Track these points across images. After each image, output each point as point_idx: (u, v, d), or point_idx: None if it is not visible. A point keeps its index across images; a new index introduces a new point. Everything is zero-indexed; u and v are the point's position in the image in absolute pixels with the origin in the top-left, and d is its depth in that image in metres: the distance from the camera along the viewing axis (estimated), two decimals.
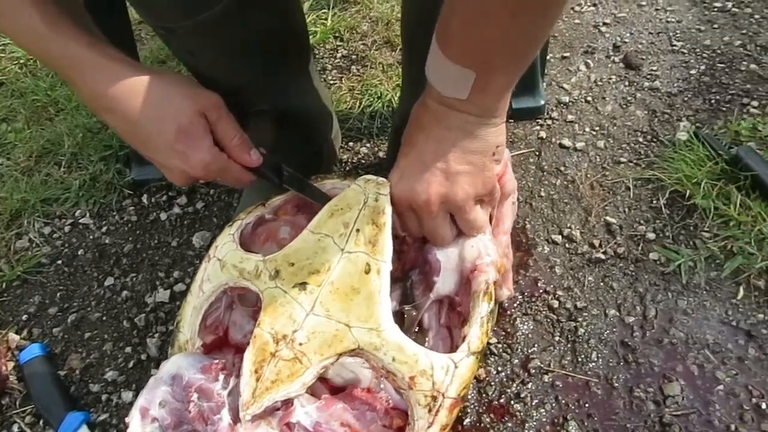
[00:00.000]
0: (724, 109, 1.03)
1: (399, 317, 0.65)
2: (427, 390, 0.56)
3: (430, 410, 0.56)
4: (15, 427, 0.73)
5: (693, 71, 1.11)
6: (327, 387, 0.63)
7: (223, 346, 0.66)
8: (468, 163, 0.61)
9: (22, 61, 1.30)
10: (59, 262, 0.92)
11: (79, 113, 1.13)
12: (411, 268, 0.69)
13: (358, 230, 0.62)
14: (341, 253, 0.61)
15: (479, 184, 0.62)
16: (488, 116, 0.60)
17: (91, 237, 0.95)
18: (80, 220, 0.97)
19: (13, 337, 0.81)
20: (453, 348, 0.62)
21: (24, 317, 0.84)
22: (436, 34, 0.56)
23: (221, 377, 0.60)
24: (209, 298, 0.65)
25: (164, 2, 0.60)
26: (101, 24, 0.84)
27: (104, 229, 0.96)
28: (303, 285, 0.60)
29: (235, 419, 0.57)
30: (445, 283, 0.65)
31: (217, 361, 0.61)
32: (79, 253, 0.93)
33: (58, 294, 0.88)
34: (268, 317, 0.60)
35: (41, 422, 0.73)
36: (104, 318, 0.85)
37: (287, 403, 0.59)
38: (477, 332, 0.61)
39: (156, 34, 1.31)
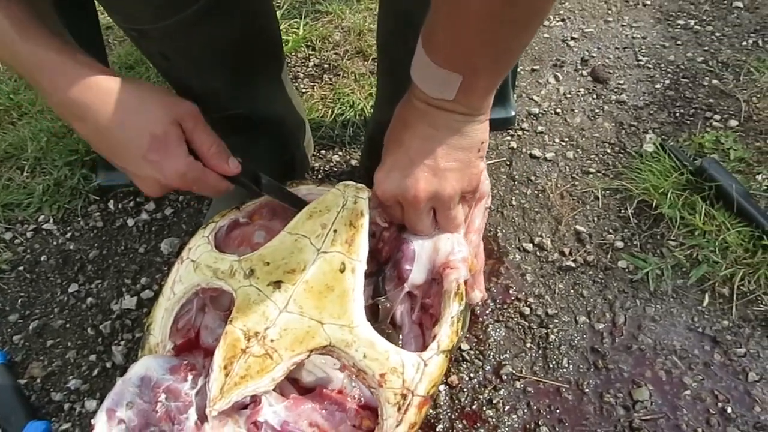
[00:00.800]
0: (688, 122, 1.06)
1: (372, 311, 0.65)
2: (397, 387, 0.56)
3: (399, 408, 0.56)
4: None
5: (658, 85, 1.14)
6: (296, 388, 0.62)
7: (194, 349, 0.65)
8: (455, 159, 0.61)
9: None
10: (21, 268, 0.89)
11: (43, 117, 1.11)
12: (385, 262, 0.69)
13: (335, 231, 0.63)
14: (317, 253, 0.62)
15: (465, 181, 0.63)
16: (474, 114, 0.60)
17: (54, 243, 0.92)
18: (43, 226, 0.94)
19: None
20: (424, 348, 0.62)
21: None
22: (421, 39, 0.57)
23: (190, 377, 0.59)
24: (181, 300, 0.63)
25: (135, 4, 0.59)
26: (71, 28, 0.83)
27: (69, 235, 0.93)
28: (278, 283, 0.61)
29: (202, 418, 0.56)
30: (418, 273, 0.65)
31: (186, 361, 0.60)
32: (42, 259, 0.90)
33: (19, 301, 0.85)
34: (240, 315, 0.59)
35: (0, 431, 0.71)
36: (68, 325, 0.82)
37: (255, 401, 0.58)
38: (447, 331, 0.61)
39: (127, 38, 1.29)
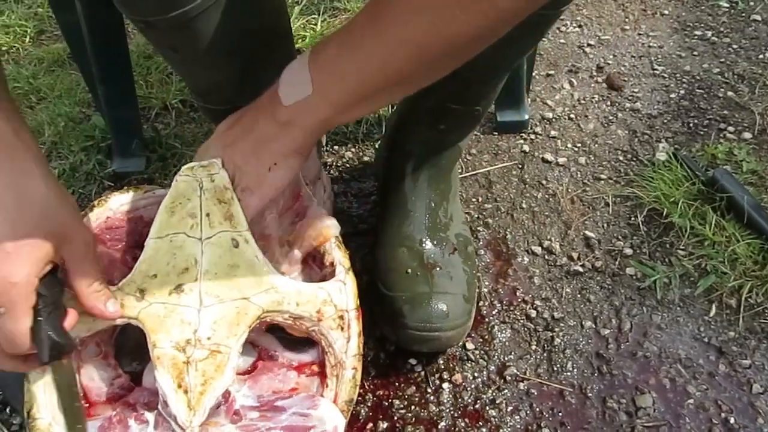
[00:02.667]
0: (701, 132, 1.06)
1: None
2: (332, 314, 0.61)
3: (342, 328, 0.62)
4: None
5: (673, 95, 1.14)
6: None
7: (91, 410, 0.60)
8: (246, 156, 0.61)
9: (4, 48, 1.29)
10: None
11: (61, 102, 1.12)
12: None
13: (207, 214, 0.60)
14: (200, 242, 0.60)
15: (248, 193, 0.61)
16: (287, 132, 0.59)
17: None
18: None
19: None
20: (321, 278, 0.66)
21: None
22: (323, 38, 0.57)
23: (131, 422, 0.57)
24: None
25: None
26: (92, 17, 0.85)
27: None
28: (178, 288, 0.58)
29: None
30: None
31: (110, 414, 0.58)
32: None
33: None
34: (160, 334, 0.56)
35: (8, 409, 0.71)
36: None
37: (224, 396, 0.58)
38: (339, 254, 0.66)
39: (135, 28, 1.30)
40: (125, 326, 0.63)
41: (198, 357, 0.56)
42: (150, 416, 0.57)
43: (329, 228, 0.67)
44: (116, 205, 0.65)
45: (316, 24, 1.32)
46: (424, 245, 0.78)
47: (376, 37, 0.52)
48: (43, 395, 0.55)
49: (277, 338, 0.66)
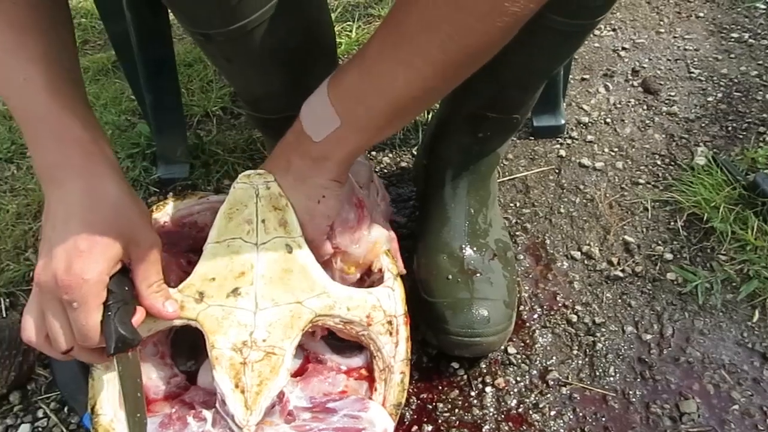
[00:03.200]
0: (740, 136, 1.05)
1: None
2: (381, 319, 0.63)
3: (391, 333, 0.63)
4: (40, 413, 0.74)
5: (710, 98, 1.14)
6: None
7: (149, 407, 0.62)
8: (296, 196, 0.63)
9: None
10: None
11: (107, 110, 1.15)
12: None
13: (263, 221, 0.62)
14: (256, 247, 0.62)
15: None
16: (324, 167, 0.61)
17: None
18: None
19: None
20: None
21: None
22: (335, 71, 0.58)
23: (190, 420, 0.59)
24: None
25: (202, 10, 0.61)
26: (142, 25, 0.87)
27: None
28: (235, 291, 0.60)
29: None
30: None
31: (169, 412, 0.60)
32: None
33: None
34: (218, 336, 0.59)
35: (65, 409, 0.74)
36: None
37: (279, 396, 0.59)
38: (387, 261, 0.68)
39: (185, 36, 1.33)
40: (180, 328, 0.65)
41: (254, 358, 0.58)
42: (208, 414, 0.59)
43: (381, 245, 0.69)
44: (173, 210, 0.68)
45: (351, 31, 1.34)
46: (464, 251, 0.79)
47: (395, 59, 0.53)
48: (106, 392, 0.58)
49: (326, 343, 0.68)
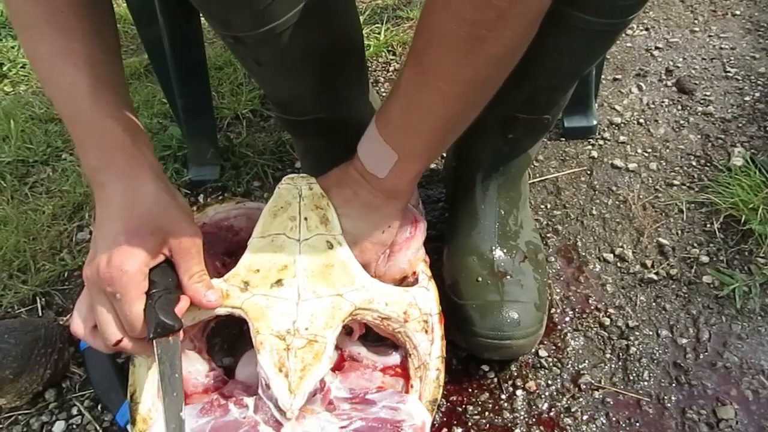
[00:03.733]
0: None
1: None
2: (417, 317, 0.65)
3: (426, 331, 0.65)
4: (74, 410, 0.75)
5: (747, 98, 1.11)
6: None
7: (188, 400, 0.63)
8: (359, 230, 0.67)
9: None
10: None
11: (139, 113, 1.17)
12: None
13: (305, 218, 0.66)
14: (299, 243, 0.65)
15: (356, 251, 0.67)
16: (394, 198, 0.66)
17: None
18: None
19: None
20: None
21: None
22: (378, 110, 0.62)
23: (231, 406, 0.60)
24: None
25: (232, 13, 0.61)
26: (175, 29, 0.88)
27: None
28: (278, 282, 0.63)
29: (278, 427, 0.58)
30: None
31: (211, 399, 0.61)
32: None
33: None
34: (262, 323, 0.60)
35: (99, 407, 0.75)
36: None
37: (320, 384, 0.61)
38: (422, 266, 0.71)
39: (216, 40, 1.35)
40: (216, 324, 0.66)
41: (297, 345, 0.59)
42: (249, 401, 0.60)
43: (421, 256, 0.72)
44: (212, 213, 0.71)
45: (379, 33, 1.34)
46: (494, 253, 0.78)
47: (427, 87, 0.57)
48: (146, 381, 0.61)
49: (361, 342, 0.68)
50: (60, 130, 1.16)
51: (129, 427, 0.61)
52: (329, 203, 0.66)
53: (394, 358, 0.67)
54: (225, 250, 0.72)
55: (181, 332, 0.58)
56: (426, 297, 0.67)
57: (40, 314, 0.86)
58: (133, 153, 0.60)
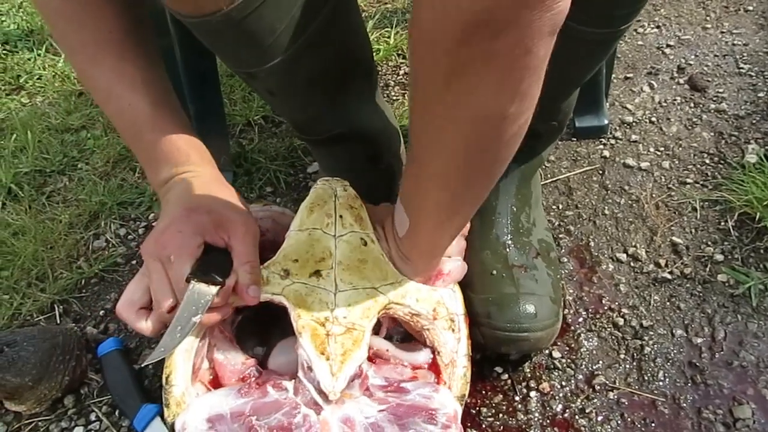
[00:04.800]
0: None
1: None
2: (445, 315, 0.67)
3: (453, 330, 0.67)
4: (92, 416, 0.76)
5: (761, 94, 1.10)
6: None
7: (217, 387, 0.64)
8: None
9: None
10: (134, 262, 0.95)
11: None
12: None
13: (341, 216, 0.69)
14: (334, 238, 0.68)
15: None
16: (410, 262, 0.67)
17: None
18: (153, 224, 1.01)
19: (91, 331, 0.85)
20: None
21: (101, 312, 0.88)
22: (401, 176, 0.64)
23: (270, 389, 0.60)
24: (198, 336, 0.63)
25: (241, 52, 0.64)
26: (187, 38, 0.90)
27: None
28: (316, 273, 0.65)
29: (318, 409, 0.60)
30: None
31: (249, 382, 0.62)
32: None
33: None
34: (302, 309, 0.63)
35: (117, 412, 0.76)
36: None
37: (358, 371, 0.62)
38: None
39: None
40: (245, 316, 0.70)
41: (336, 332, 0.62)
42: (288, 384, 0.61)
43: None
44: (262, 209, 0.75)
45: (389, 37, 1.34)
46: (507, 248, 0.79)
47: (427, 172, 0.54)
48: (182, 364, 0.62)
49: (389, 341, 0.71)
50: (76, 140, 1.18)
51: (164, 410, 0.62)
52: (362, 204, 0.70)
53: (423, 357, 0.68)
54: None
55: (220, 290, 0.59)
56: (452, 297, 0.69)
57: (58, 322, 0.87)
58: (195, 161, 0.66)
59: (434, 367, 0.68)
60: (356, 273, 0.66)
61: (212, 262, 0.60)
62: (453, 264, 0.72)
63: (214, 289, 0.58)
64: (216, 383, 0.66)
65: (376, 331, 0.70)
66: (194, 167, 0.66)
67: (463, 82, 0.43)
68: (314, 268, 0.66)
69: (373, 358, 0.68)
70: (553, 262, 0.80)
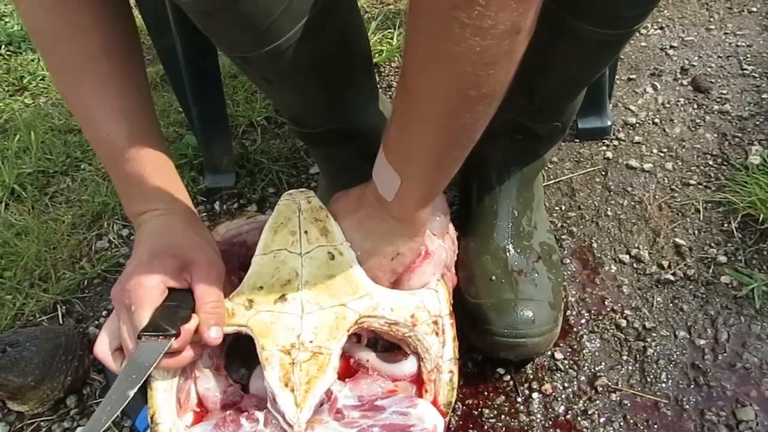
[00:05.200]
0: None
1: None
2: (426, 319, 0.64)
3: (437, 333, 0.64)
4: None
5: (765, 95, 1.10)
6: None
7: (205, 417, 0.64)
8: (368, 253, 0.66)
9: None
10: None
11: None
12: None
13: (306, 232, 0.66)
14: (300, 257, 0.65)
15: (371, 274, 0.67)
16: (403, 224, 0.64)
17: None
18: None
19: (94, 331, 0.85)
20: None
21: (104, 313, 0.88)
22: (384, 133, 0.61)
23: (243, 420, 0.60)
24: (176, 374, 0.62)
25: (235, 35, 0.62)
26: (189, 39, 0.90)
27: None
28: (282, 297, 0.63)
29: None
30: None
31: (224, 415, 0.61)
32: None
33: None
34: (267, 339, 0.61)
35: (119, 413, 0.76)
36: None
37: (327, 395, 0.61)
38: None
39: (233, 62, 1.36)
40: (233, 339, 0.67)
41: (302, 359, 0.60)
42: (260, 415, 0.60)
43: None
44: (223, 230, 0.72)
45: (392, 38, 1.34)
46: (507, 253, 0.78)
47: (411, 107, 0.54)
48: (164, 402, 0.61)
49: (371, 349, 0.69)
50: (79, 140, 1.18)
51: None
52: (328, 214, 0.67)
53: (408, 366, 0.66)
54: (240, 266, 0.72)
55: (173, 341, 0.57)
56: (435, 298, 0.66)
57: (61, 322, 0.88)
58: (169, 198, 0.65)
59: (418, 376, 0.66)
60: (324, 291, 0.63)
61: (173, 309, 0.59)
62: (436, 244, 0.71)
63: (165, 342, 0.57)
64: (204, 409, 0.65)
65: (358, 339, 0.69)
66: (166, 204, 0.65)
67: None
68: (280, 293, 0.63)
69: (356, 367, 0.67)
70: (554, 265, 0.80)
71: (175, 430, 0.60)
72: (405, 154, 0.58)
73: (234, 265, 0.72)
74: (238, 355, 0.70)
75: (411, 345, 0.65)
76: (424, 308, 0.65)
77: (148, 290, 0.58)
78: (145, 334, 0.57)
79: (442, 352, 0.64)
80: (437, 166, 0.59)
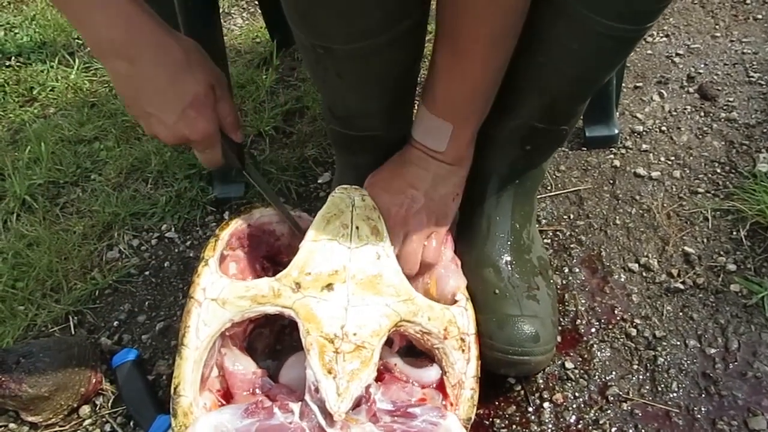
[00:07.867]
0: None
1: None
2: (456, 334, 0.67)
3: (463, 350, 0.67)
4: (107, 427, 0.77)
5: None
6: None
7: (232, 401, 0.65)
8: (432, 200, 0.73)
9: (112, 85, 1.38)
10: (147, 272, 0.96)
11: None
12: None
13: (357, 227, 0.68)
14: (350, 251, 0.67)
15: (433, 221, 0.74)
16: (457, 165, 0.74)
17: (176, 250, 0.99)
18: (166, 234, 1.02)
19: (105, 342, 0.85)
20: None
21: (115, 323, 0.89)
22: (422, 93, 0.70)
23: (276, 410, 0.59)
24: (208, 346, 0.63)
25: (332, 24, 0.60)
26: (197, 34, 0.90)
27: (189, 243, 1.00)
28: (329, 286, 0.64)
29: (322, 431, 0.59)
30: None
31: (256, 400, 0.61)
32: (166, 265, 0.97)
33: (147, 303, 0.92)
34: (312, 324, 0.62)
35: (131, 423, 0.77)
36: None
37: (366, 395, 0.61)
38: (462, 288, 0.74)
39: (238, 58, 1.37)
40: (254, 329, 0.70)
41: (345, 349, 0.61)
42: (295, 407, 0.60)
43: (461, 288, 0.74)
44: (257, 215, 0.74)
45: None
46: (510, 266, 0.78)
47: (459, 52, 0.63)
48: (190, 374, 0.61)
49: (398, 355, 0.70)
50: (89, 151, 1.19)
51: (172, 420, 0.61)
52: (380, 216, 0.70)
53: (433, 374, 0.68)
54: (266, 253, 0.74)
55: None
56: (464, 316, 0.69)
57: (73, 333, 0.88)
58: (157, 21, 0.64)
59: (441, 386, 0.67)
60: (369, 288, 0.65)
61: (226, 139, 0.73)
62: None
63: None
64: (226, 393, 0.66)
65: (387, 344, 0.70)
66: (155, 28, 0.65)
67: None
68: (327, 282, 0.65)
69: (382, 371, 0.68)
70: (551, 281, 0.80)
71: (195, 405, 0.60)
72: (455, 102, 0.66)
73: (261, 252, 0.73)
74: (261, 346, 0.71)
75: (437, 356, 0.67)
76: (455, 323, 0.67)
77: (214, 136, 0.70)
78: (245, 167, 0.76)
79: (466, 368, 0.66)
80: (486, 100, 0.67)
